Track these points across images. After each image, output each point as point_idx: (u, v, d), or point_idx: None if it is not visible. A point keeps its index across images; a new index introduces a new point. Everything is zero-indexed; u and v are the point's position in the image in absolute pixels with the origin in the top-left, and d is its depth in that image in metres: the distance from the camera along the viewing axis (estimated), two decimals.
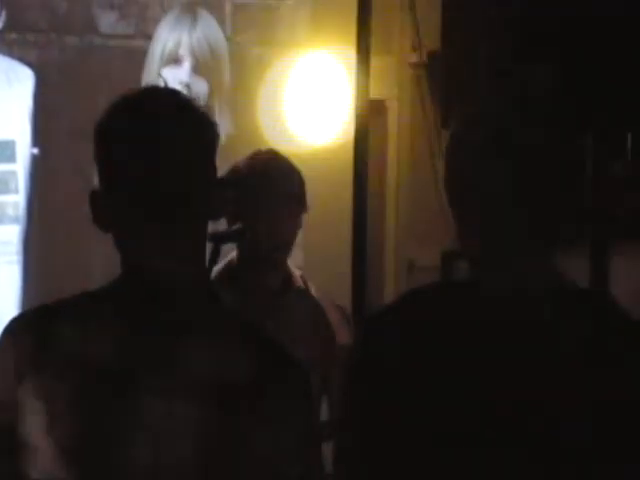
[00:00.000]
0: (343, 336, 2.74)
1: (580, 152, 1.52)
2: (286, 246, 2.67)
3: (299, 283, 2.74)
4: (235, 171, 2.64)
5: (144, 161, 1.52)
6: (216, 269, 2.64)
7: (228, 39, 3.78)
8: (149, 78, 3.66)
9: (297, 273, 2.77)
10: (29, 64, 3.72)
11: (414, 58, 4.35)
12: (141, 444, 1.47)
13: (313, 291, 2.76)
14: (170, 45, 3.71)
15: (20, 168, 3.69)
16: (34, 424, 1.49)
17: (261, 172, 2.64)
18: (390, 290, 4.06)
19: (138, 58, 3.72)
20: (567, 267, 1.54)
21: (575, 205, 1.53)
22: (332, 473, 1.58)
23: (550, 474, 1.45)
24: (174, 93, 1.63)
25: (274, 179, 2.64)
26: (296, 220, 2.68)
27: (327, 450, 1.63)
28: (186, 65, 3.70)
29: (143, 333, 1.51)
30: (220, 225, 2.37)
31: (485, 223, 1.52)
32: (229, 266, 2.70)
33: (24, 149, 3.70)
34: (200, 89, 3.64)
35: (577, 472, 1.45)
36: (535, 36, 2.37)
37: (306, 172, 2.71)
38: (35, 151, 3.72)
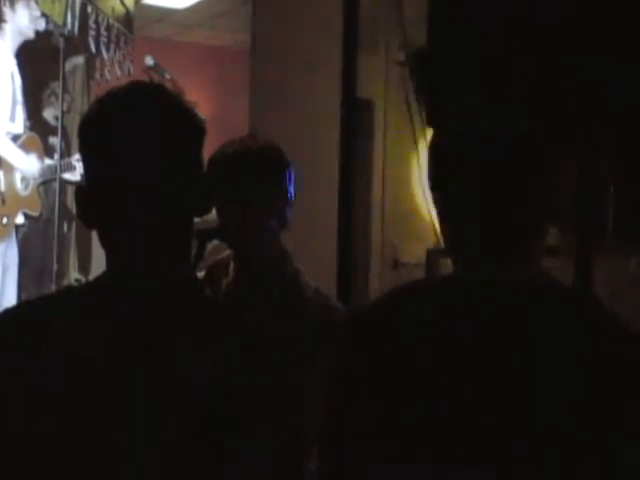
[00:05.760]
0: None
1: (564, 152, 1.51)
2: (257, 233, 2.46)
3: (289, 278, 2.52)
4: (211, 160, 2.43)
5: (129, 157, 1.46)
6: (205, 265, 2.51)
7: None
8: None
9: (296, 268, 2.56)
10: None
11: (401, 56, 4.35)
12: (126, 442, 1.42)
13: (306, 287, 2.54)
14: None
15: None
16: (21, 423, 1.44)
17: (229, 157, 2.44)
18: (375, 288, 4.06)
19: None
20: (551, 267, 1.51)
21: (557, 204, 1.51)
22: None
23: (535, 475, 1.41)
24: (160, 88, 1.57)
25: (239, 162, 2.44)
26: (267, 204, 2.45)
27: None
28: None
29: (128, 331, 1.46)
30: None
31: (468, 222, 1.50)
32: (221, 263, 2.55)
33: None
34: None
35: (557, 470, 1.41)
36: (524, 35, 2.36)
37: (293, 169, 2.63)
38: None
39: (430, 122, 2.74)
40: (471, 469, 1.41)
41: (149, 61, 5.43)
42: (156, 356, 1.45)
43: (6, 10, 5.33)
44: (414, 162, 4.28)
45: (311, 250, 3.50)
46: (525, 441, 1.40)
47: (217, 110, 7.65)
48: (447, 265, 1.55)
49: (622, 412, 1.41)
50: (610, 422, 1.41)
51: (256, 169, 2.45)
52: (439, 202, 1.53)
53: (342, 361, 1.54)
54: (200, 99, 7.90)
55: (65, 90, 5.53)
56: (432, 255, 3.68)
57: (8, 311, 1.55)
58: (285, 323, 2.35)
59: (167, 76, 5.49)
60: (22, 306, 1.56)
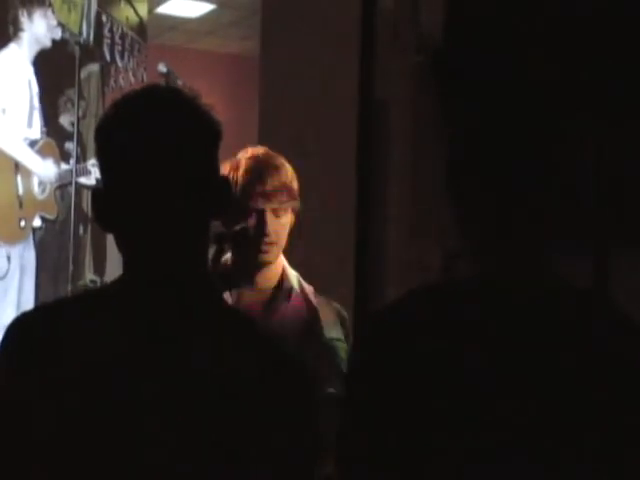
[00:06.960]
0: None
1: (578, 151, 1.50)
2: (263, 242, 2.48)
3: (292, 285, 2.57)
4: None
5: (145, 160, 1.41)
6: None
7: None
8: None
9: (293, 273, 2.60)
10: None
11: (417, 58, 4.32)
12: (145, 443, 1.40)
13: (309, 292, 2.58)
14: None
15: None
16: (38, 426, 1.42)
17: (233, 167, 2.51)
18: (392, 289, 4.04)
19: None
20: (568, 268, 1.49)
21: (573, 207, 1.48)
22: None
23: (555, 474, 1.38)
24: (176, 91, 1.53)
25: (244, 173, 2.50)
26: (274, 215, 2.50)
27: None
28: None
29: (145, 335, 1.44)
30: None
31: (485, 223, 1.47)
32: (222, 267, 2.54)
33: None
34: None
35: (577, 470, 1.38)
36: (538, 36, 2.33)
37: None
38: None
39: (446, 122, 2.71)
40: (482, 470, 1.39)
41: (162, 68, 5.46)
42: (173, 359, 1.43)
43: (24, 20, 5.45)
44: (431, 163, 4.25)
45: (328, 253, 3.48)
46: (527, 441, 1.38)
47: (228, 117, 7.68)
48: (464, 267, 1.52)
49: (633, 414, 1.39)
50: (619, 424, 1.39)
51: (287, 180, 2.53)
52: (455, 202, 1.50)
53: (362, 363, 1.51)
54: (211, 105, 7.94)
55: (81, 97, 5.63)
56: (449, 257, 3.65)
57: (26, 314, 1.54)
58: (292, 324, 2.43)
59: (180, 83, 5.52)
60: (39, 309, 1.54)
